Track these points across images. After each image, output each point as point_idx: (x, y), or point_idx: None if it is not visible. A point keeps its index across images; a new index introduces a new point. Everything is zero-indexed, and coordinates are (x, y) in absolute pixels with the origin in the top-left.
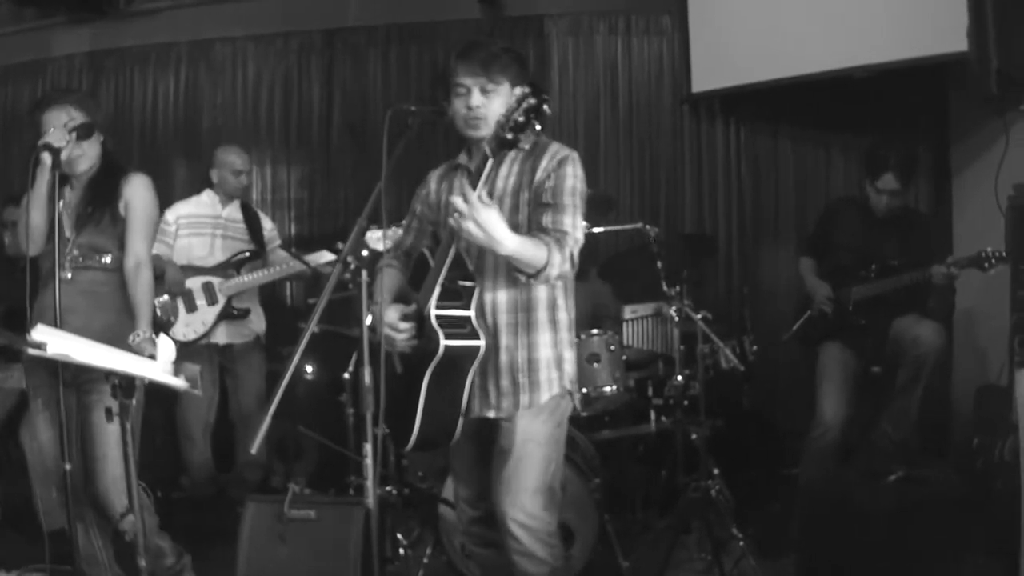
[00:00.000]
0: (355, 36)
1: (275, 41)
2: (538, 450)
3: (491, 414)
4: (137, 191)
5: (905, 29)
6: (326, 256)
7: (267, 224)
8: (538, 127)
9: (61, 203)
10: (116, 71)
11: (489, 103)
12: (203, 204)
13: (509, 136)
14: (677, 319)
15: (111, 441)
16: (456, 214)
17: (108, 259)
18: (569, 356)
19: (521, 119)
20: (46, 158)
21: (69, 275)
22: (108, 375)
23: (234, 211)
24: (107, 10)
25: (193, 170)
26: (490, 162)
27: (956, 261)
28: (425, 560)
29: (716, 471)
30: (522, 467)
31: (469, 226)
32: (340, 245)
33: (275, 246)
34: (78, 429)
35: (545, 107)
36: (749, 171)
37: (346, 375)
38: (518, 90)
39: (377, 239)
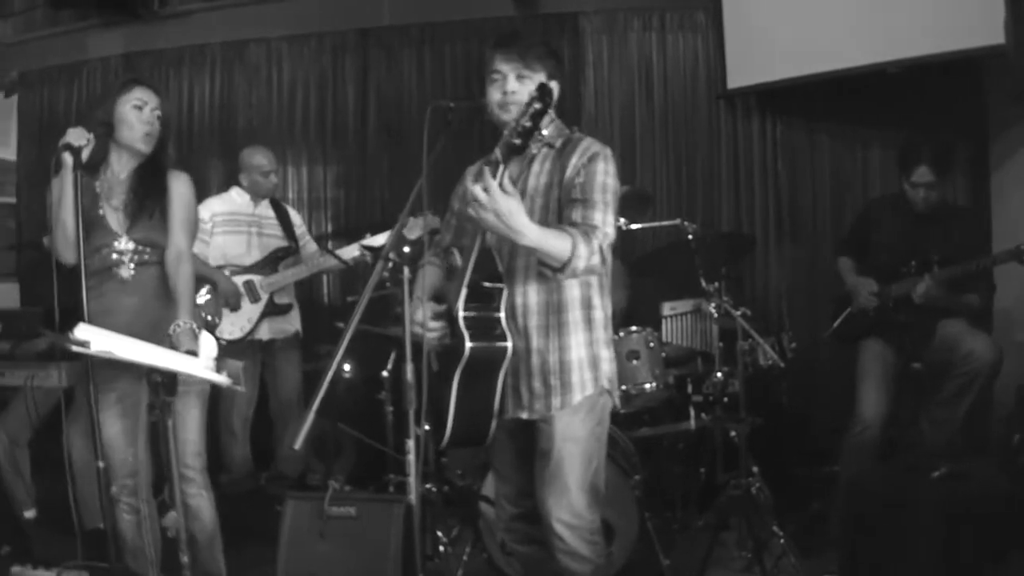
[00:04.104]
0: (389, 35)
1: (309, 41)
2: (577, 449)
3: (524, 415)
4: (180, 187)
5: (941, 22)
6: (354, 251)
7: (296, 219)
8: (544, 132)
9: (102, 201)
10: (151, 73)
11: (523, 89)
12: (235, 202)
13: (517, 141)
14: (716, 316)
15: (191, 425)
16: (476, 205)
17: (160, 255)
18: (607, 355)
19: (528, 124)
20: (67, 158)
21: (132, 272)
22: (150, 372)
23: (265, 208)
24: (141, 12)
25: (229, 171)
26: (501, 167)
27: (995, 256)
28: (465, 558)
29: (755, 468)
30: (564, 467)
31: (488, 216)
32: (369, 236)
33: (306, 241)
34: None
35: (550, 111)
36: (786, 167)
37: (384, 373)
38: (552, 84)
39: (414, 228)
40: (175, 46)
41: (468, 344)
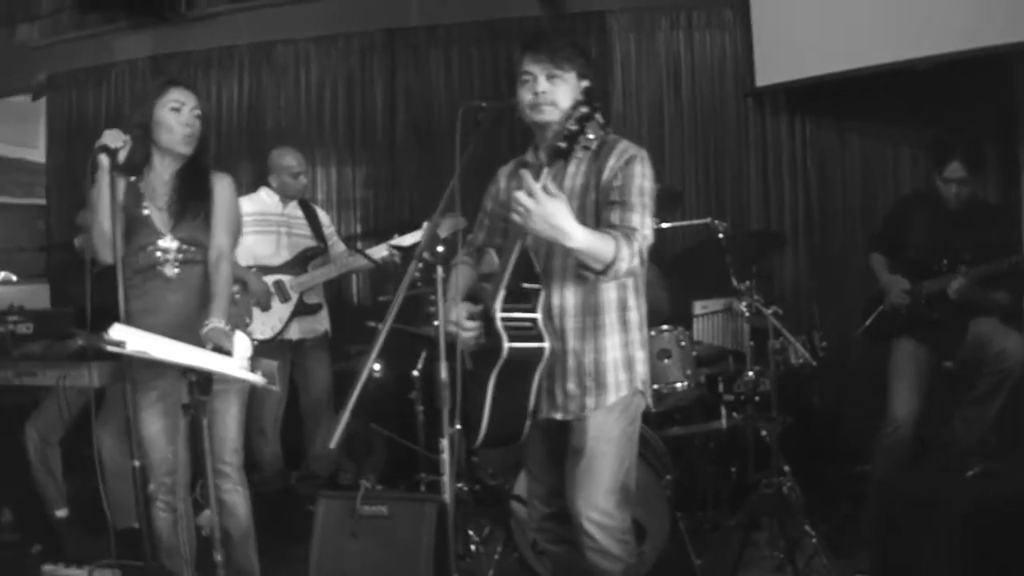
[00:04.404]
0: (416, 36)
1: (337, 42)
2: (610, 448)
3: (558, 416)
4: (223, 189)
5: (970, 19)
6: (383, 251)
7: (325, 219)
8: (590, 136)
9: (146, 201)
10: (179, 75)
11: (555, 89)
12: (264, 202)
13: (563, 145)
14: (747, 314)
15: (230, 424)
16: (521, 208)
17: (204, 254)
18: (641, 356)
19: (574, 127)
20: (103, 160)
21: (176, 270)
22: (185, 372)
23: (294, 208)
24: (168, 15)
25: (258, 172)
26: (545, 170)
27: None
28: (496, 557)
29: (787, 468)
30: (595, 466)
31: (534, 220)
32: (397, 236)
33: (334, 241)
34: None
35: (597, 116)
36: (815, 165)
37: (415, 372)
38: (583, 83)
39: (447, 227)
40: (203, 48)
41: (506, 345)
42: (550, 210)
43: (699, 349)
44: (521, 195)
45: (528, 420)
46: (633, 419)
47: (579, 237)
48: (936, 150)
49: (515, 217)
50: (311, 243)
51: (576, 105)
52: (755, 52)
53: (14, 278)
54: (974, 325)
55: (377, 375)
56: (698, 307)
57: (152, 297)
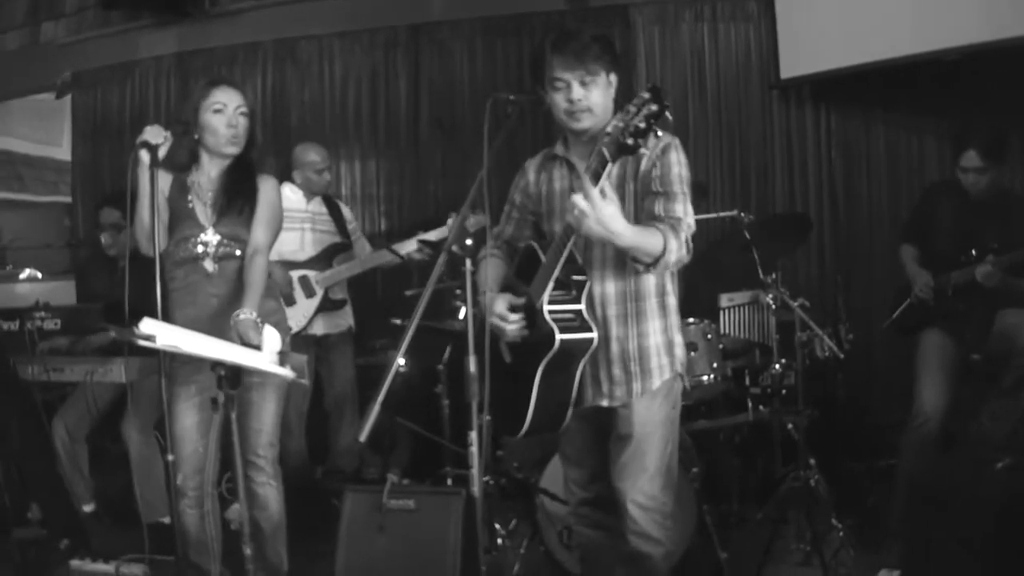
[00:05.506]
0: (441, 30)
1: (360, 37)
2: (656, 432)
3: (604, 403)
4: (268, 191)
5: (997, 9)
6: (412, 245)
7: (348, 215)
8: (660, 133)
9: (191, 195)
10: (204, 72)
11: (589, 94)
12: (289, 199)
13: (630, 142)
14: (774, 307)
15: (266, 418)
16: (576, 211)
17: (244, 250)
18: (679, 340)
19: (642, 125)
20: (144, 156)
21: (216, 265)
22: (215, 366)
23: (318, 204)
24: (192, 12)
25: (282, 168)
26: (609, 166)
27: None
28: (522, 551)
29: (813, 461)
30: (641, 450)
31: (590, 224)
32: (422, 234)
33: (358, 237)
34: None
35: (667, 113)
36: (840, 157)
37: (440, 366)
38: (612, 76)
39: (474, 224)
40: (227, 44)
41: (559, 337)
42: (606, 214)
43: (725, 342)
44: (578, 199)
45: (570, 409)
46: (675, 403)
47: (629, 237)
48: (954, 139)
49: (570, 219)
50: (335, 239)
51: (644, 102)
52: (779, 44)
53: (40, 275)
54: (1001, 317)
55: (402, 369)
56: (724, 300)
57: (192, 291)
